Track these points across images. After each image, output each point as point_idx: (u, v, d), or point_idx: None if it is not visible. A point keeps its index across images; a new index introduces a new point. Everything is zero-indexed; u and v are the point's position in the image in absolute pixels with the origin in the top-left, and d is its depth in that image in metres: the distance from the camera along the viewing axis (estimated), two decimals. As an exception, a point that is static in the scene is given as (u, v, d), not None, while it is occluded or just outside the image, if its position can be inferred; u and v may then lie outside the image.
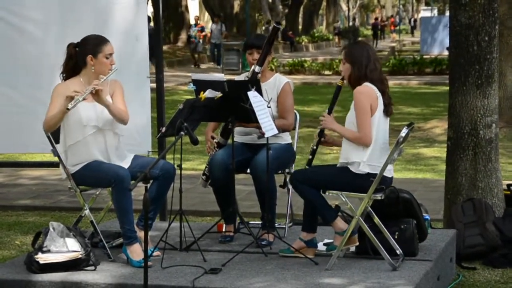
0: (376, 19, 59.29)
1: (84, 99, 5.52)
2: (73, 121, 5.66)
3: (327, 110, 5.74)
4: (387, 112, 5.57)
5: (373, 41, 51.31)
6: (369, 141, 5.45)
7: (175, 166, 5.76)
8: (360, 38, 51.09)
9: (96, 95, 5.57)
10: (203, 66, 32.33)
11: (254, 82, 5.93)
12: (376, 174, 5.42)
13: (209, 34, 32.95)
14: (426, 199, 8.37)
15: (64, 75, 5.81)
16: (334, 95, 5.80)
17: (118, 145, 5.84)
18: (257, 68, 6.19)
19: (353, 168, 5.49)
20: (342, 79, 5.68)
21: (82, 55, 5.71)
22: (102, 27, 7.09)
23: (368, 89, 5.50)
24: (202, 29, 32.99)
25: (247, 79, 6.20)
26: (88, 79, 5.71)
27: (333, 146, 5.86)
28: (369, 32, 59.08)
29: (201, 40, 32.39)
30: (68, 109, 5.50)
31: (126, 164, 5.78)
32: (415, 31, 71.44)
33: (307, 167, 5.88)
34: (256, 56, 6.24)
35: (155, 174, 5.69)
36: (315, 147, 5.85)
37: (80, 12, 7.30)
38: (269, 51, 6.21)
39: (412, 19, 65.84)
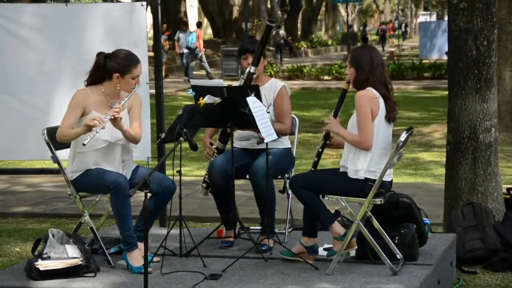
0: (383, 23, 59.79)
1: (103, 128, 5.50)
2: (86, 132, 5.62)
3: (332, 113, 5.75)
4: (389, 118, 5.56)
5: (381, 45, 53.25)
6: (369, 146, 5.46)
7: (175, 171, 5.76)
8: (359, 44, 51.48)
9: (114, 120, 5.56)
10: (172, 77, 30.02)
11: (253, 88, 5.93)
12: (374, 179, 5.43)
13: (176, 43, 29.84)
14: (426, 203, 8.37)
15: (87, 81, 5.80)
16: (340, 98, 5.80)
17: (128, 160, 5.83)
18: (252, 69, 6.19)
19: (351, 174, 5.49)
20: (348, 82, 5.69)
21: (110, 69, 5.68)
22: (101, 34, 7.11)
23: (369, 93, 5.50)
24: (170, 38, 31.36)
25: (243, 80, 6.20)
26: (109, 92, 5.70)
27: (339, 149, 5.85)
28: (375, 37, 59.56)
29: (166, 49, 29.63)
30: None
31: (127, 174, 5.77)
32: (411, 37, 71.44)
33: (312, 169, 5.86)
34: (251, 60, 6.23)
35: (154, 190, 5.68)
36: (320, 150, 5.84)
37: (78, 19, 7.31)
38: (263, 50, 6.19)
39: (403, 25, 64.49)
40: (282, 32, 40.51)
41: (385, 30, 55.99)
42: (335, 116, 5.72)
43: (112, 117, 5.51)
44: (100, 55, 5.74)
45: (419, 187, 10.05)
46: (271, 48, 40.91)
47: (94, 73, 5.75)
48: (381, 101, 5.51)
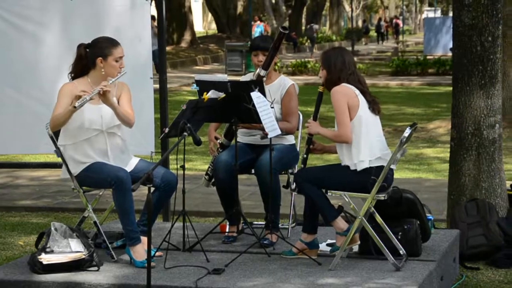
0: (396, 17, 60.26)
1: (91, 98, 5.52)
2: (75, 123, 5.65)
3: (312, 117, 5.78)
4: (373, 109, 5.58)
5: (395, 38, 55.55)
6: (348, 139, 5.47)
7: (178, 166, 5.76)
8: (363, 39, 51.65)
9: (103, 96, 5.57)
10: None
11: (257, 83, 5.92)
12: (376, 167, 5.43)
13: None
14: (429, 199, 8.38)
15: (72, 75, 5.82)
16: (317, 102, 5.85)
17: (123, 149, 5.82)
18: (262, 72, 6.18)
19: (353, 167, 5.50)
20: (322, 85, 5.72)
21: (92, 57, 5.71)
22: (104, 28, 7.10)
23: (344, 88, 5.53)
24: None
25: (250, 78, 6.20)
26: (96, 80, 5.71)
27: (323, 154, 5.85)
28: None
29: None
30: (75, 107, 5.49)
31: (129, 168, 5.77)
32: (415, 32, 71.20)
33: None
34: (261, 58, 6.22)
35: (157, 184, 5.68)
36: (305, 156, 5.86)
37: (82, 13, 7.31)
38: (275, 55, 6.20)
39: (394, 22, 63.20)
40: (316, 26, 40.32)
41: (398, 24, 56.62)
42: (314, 119, 5.76)
43: (101, 89, 5.52)
44: (81, 46, 5.78)
45: (422, 183, 10.05)
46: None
47: (77, 64, 5.78)
48: (359, 95, 5.53)
